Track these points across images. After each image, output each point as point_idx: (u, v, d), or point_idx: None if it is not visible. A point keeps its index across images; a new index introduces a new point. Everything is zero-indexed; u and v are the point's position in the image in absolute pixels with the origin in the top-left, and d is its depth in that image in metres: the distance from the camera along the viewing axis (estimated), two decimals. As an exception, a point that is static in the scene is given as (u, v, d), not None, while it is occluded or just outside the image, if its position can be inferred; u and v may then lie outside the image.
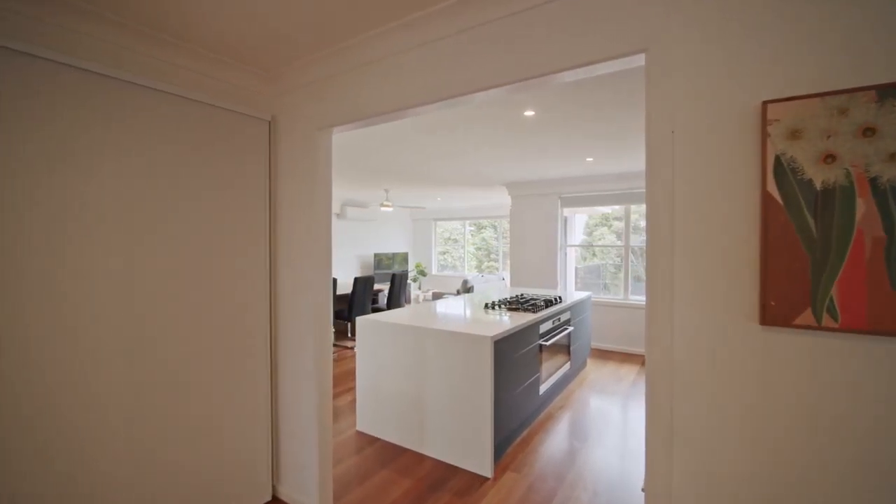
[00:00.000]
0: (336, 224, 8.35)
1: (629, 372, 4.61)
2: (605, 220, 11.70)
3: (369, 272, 9.05)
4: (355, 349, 4.60)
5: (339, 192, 7.21)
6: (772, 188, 1.05)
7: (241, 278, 2.16)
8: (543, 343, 3.25)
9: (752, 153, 1.09)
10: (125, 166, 1.76)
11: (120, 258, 1.73)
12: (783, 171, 1.03)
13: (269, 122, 2.30)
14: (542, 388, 3.30)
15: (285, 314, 2.25)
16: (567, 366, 3.87)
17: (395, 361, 2.91)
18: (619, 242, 10.69)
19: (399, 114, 1.84)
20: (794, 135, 1.02)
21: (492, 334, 2.51)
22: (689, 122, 1.17)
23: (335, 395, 3.88)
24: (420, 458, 2.74)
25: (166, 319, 1.87)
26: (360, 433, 3.10)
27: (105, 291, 1.69)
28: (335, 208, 8.27)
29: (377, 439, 3.00)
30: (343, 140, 3.66)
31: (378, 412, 3.01)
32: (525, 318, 3.08)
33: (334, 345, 5.83)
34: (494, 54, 1.53)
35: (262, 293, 2.25)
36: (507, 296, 4.31)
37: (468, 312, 3.35)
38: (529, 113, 2.82)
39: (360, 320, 3.09)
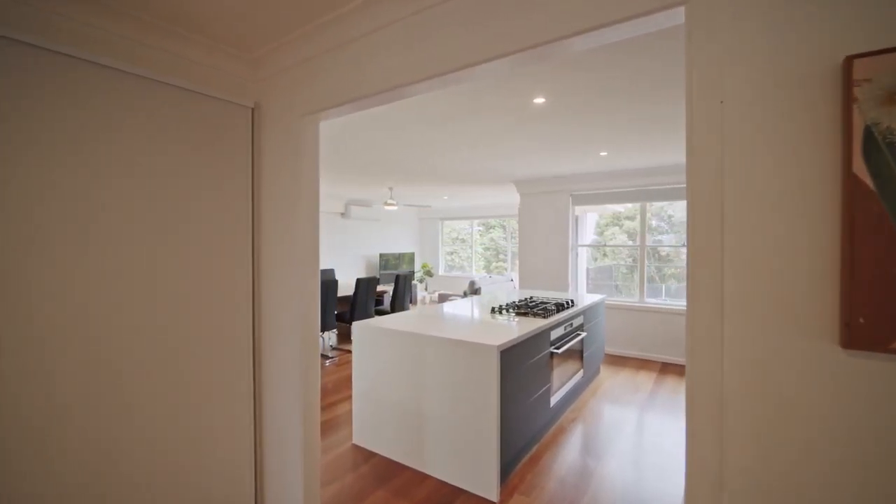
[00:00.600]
0: (340, 224, 8.17)
1: (646, 380, 4.33)
2: (617, 220, 11.36)
3: (375, 273, 8.86)
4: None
5: (343, 191, 7.02)
6: (860, 169, 0.80)
7: (222, 284, 1.95)
8: (554, 350, 3.00)
9: (830, 125, 0.84)
10: (95, 157, 1.57)
11: (94, 259, 1.56)
12: (876, 146, 0.79)
13: (252, 110, 2.09)
14: (554, 400, 3.05)
15: (269, 322, 2.04)
16: (580, 374, 3.62)
17: (393, 370, 2.69)
18: (630, 242, 10.39)
19: (392, 94, 1.62)
20: (893, 98, 0.77)
21: (498, 343, 2.28)
22: (743, 89, 0.93)
23: (334, 403, 3.67)
24: (420, 477, 2.51)
25: (139, 325, 1.67)
26: (356, 447, 2.89)
27: (81, 293, 1.53)
28: (339, 207, 8.09)
29: (374, 454, 2.78)
30: (342, 134, 3.45)
31: (376, 425, 2.79)
32: (535, 323, 2.84)
33: (336, 348, 5.64)
34: (498, 18, 1.29)
35: (244, 299, 2.04)
36: (516, 299, 4.06)
37: (473, 317, 3.12)
38: (539, 100, 2.58)
39: (357, 325, 2.88)
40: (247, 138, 2.07)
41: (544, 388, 2.89)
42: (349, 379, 4.34)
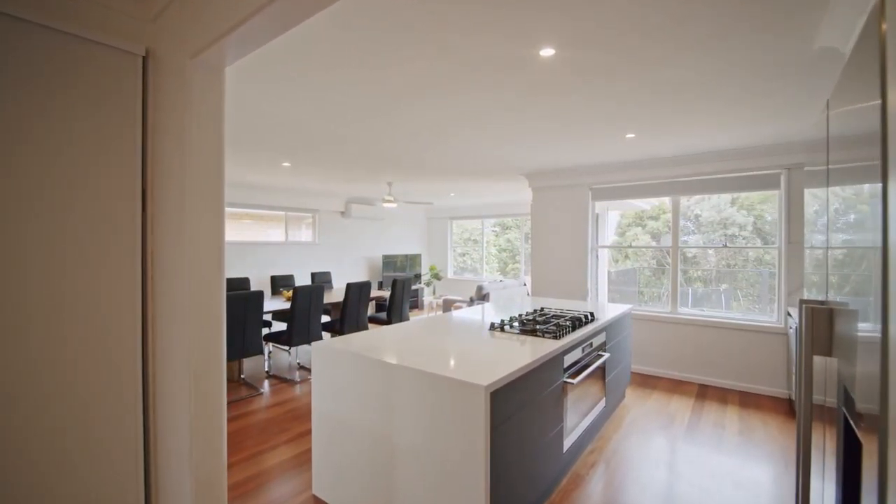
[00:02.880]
0: (340, 223, 7.64)
1: (682, 407, 3.62)
2: (640, 219, 10.53)
3: (378, 276, 8.30)
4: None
5: (342, 189, 6.48)
6: None
7: (96, 303, 1.39)
8: (569, 381, 2.35)
9: None
10: None
11: None
12: None
13: (144, 59, 1.52)
14: (568, 442, 2.40)
15: (162, 363, 1.46)
16: (601, 404, 2.95)
17: (358, 407, 2.09)
18: (653, 243, 9.56)
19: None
20: None
21: (487, 382, 1.65)
22: None
23: (303, 434, 3.09)
24: (387, 552, 1.90)
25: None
26: (316, 499, 2.30)
27: None
28: (339, 206, 7.56)
29: (336, 513, 2.18)
30: (327, 124, 2.88)
31: (339, 474, 2.19)
32: (543, 347, 2.20)
33: (326, 361, 5.07)
34: None
35: (128, 326, 1.47)
36: (524, 311, 3.41)
37: (468, 336, 2.49)
38: (548, 52, 1.94)
39: (315, 347, 2.29)
40: (135, 97, 1.50)
41: (555, 430, 2.24)
42: (331, 400, 3.76)
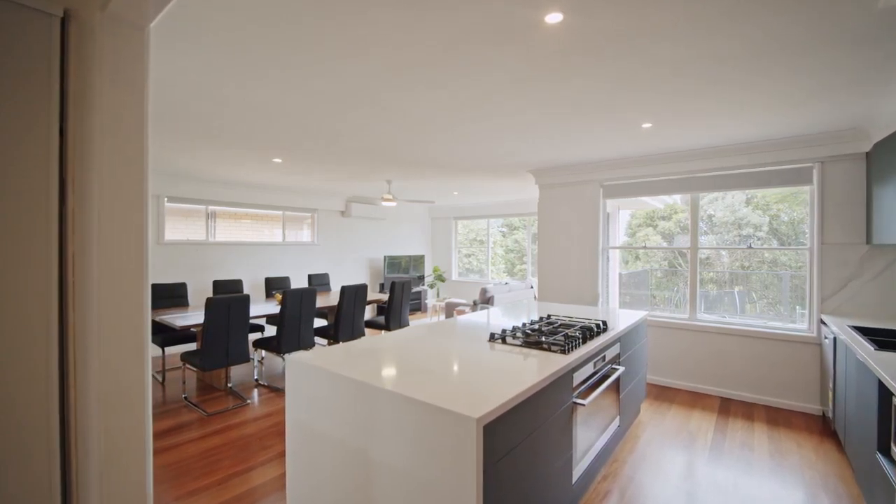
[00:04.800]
0: (340, 223, 7.39)
1: (703, 423, 3.29)
2: (650, 220, 10.14)
3: (380, 278, 8.04)
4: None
5: (341, 187, 6.23)
6: None
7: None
8: (579, 402, 2.05)
9: None
10: None
11: None
12: None
13: (63, 20, 1.26)
14: (577, 472, 2.10)
15: (84, 394, 1.19)
16: (615, 424, 2.64)
17: (336, 433, 1.81)
18: (664, 244, 9.18)
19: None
20: None
21: (479, 413, 1.36)
22: None
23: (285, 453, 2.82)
24: None
25: None
26: (291, 535, 2.02)
27: None
28: (339, 205, 7.31)
29: (311, 553, 1.91)
30: (320, 118, 2.61)
31: (315, 508, 1.92)
32: (550, 363, 1.91)
33: (321, 368, 4.81)
34: None
35: (38, 347, 1.20)
36: (529, 318, 3.12)
37: (465, 348, 2.21)
38: (554, 17, 1.65)
39: (289, 361, 2.02)
40: (49, 68, 1.23)
41: (563, 460, 1.95)
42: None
